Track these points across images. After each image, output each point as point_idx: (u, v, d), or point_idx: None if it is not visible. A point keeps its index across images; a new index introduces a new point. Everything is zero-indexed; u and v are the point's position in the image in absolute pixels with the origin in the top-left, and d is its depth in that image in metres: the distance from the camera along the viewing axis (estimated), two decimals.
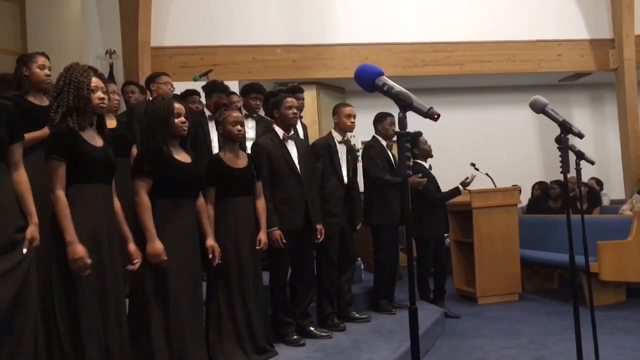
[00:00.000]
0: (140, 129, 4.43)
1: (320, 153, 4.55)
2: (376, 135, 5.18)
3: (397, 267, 5.44)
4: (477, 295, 6.11)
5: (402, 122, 1.56)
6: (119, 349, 2.81)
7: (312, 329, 4.19)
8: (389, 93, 1.57)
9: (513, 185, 6.87)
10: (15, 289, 2.46)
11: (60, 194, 2.68)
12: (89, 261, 2.65)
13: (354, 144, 5.26)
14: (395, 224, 5.09)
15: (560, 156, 2.66)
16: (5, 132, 2.54)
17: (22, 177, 2.61)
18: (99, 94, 2.82)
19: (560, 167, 2.66)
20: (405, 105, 1.54)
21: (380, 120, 5.18)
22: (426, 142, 5.65)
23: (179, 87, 5.52)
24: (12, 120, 2.59)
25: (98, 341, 2.72)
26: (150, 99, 5.03)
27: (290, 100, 4.16)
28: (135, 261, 2.99)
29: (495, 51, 8.61)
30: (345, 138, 4.71)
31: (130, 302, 3.14)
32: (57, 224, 2.70)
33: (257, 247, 3.72)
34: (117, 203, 3.00)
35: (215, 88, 4.77)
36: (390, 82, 1.59)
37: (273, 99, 4.30)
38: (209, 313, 3.54)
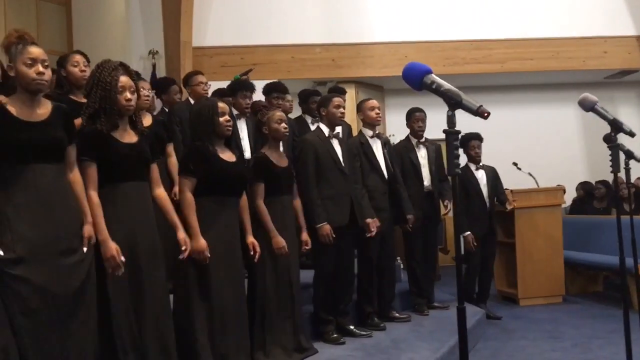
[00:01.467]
0: (181, 129, 4.51)
1: (354, 152, 4.54)
2: (409, 135, 5.16)
3: (433, 268, 5.38)
4: (519, 296, 6.01)
5: (451, 121, 1.55)
6: (161, 348, 2.83)
7: (352, 327, 4.20)
8: (437, 91, 1.56)
9: (557, 186, 6.73)
10: (80, 282, 2.54)
11: (93, 194, 2.72)
12: (122, 259, 2.68)
13: (393, 143, 5.24)
14: (424, 224, 5.02)
15: (610, 155, 2.60)
16: (64, 133, 2.62)
17: (77, 177, 2.69)
18: (126, 94, 2.81)
19: (611, 166, 2.59)
20: (454, 103, 1.53)
21: (408, 117, 5.17)
22: (476, 147, 5.51)
23: (220, 87, 5.57)
24: (68, 122, 2.67)
25: (132, 342, 2.75)
26: (189, 99, 5.10)
27: (338, 100, 4.21)
28: (183, 248, 3.00)
29: (538, 48, 8.42)
30: (377, 132, 4.68)
31: (174, 298, 3.19)
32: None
33: (305, 248, 3.76)
34: (162, 193, 3.04)
35: (241, 87, 4.77)
36: (439, 80, 1.57)
37: (321, 97, 4.35)
38: (252, 310, 3.57)
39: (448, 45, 8.41)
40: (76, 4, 8.29)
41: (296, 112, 5.81)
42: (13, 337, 2.40)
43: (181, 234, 3.02)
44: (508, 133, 8.81)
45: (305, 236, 3.85)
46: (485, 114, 1.49)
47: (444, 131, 1.55)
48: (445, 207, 5.17)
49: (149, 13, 7.77)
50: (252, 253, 3.44)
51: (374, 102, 4.68)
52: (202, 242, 3.09)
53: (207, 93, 4.84)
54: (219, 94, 4.86)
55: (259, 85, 5.22)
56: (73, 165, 2.69)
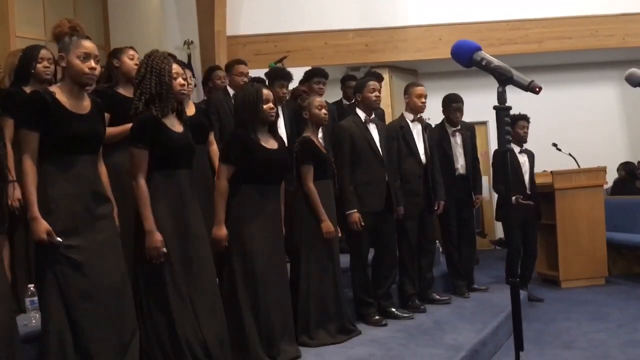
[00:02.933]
0: (217, 118, 4.56)
1: (392, 135, 4.53)
2: (445, 122, 5.12)
3: (471, 249, 5.35)
4: (561, 278, 5.95)
5: (502, 97, 1.55)
6: (215, 337, 2.89)
7: (393, 309, 4.23)
8: (487, 68, 1.56)
9: (598, 166, 6.60)
10: (122, 269, 2.64)
11: (142, 181, 2.78)
12: (164, 250, 2.75)
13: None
14: (459, 208, 5.00)
15: None
16: (102, 127, 2.70)
17: (104, 169, 2.79)
18: (180, 80, 2.93)
19: None
20: (505, 79, 1.53)
21: (445, 105, 5.11)
22: (524, 127, 5.38)
23: (255, 75, 5.61)
24: (103, 117, 2.76)
25: (193, 331, 2.82)
26: (227, 87, 5.15)
27: (373, 84, 4.21)
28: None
29: (576, 27, 8.23)
30: (418, 116, 4.66)
31: (220, 284, 3.26)
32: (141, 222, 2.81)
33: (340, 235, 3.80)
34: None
35: (277, 75, 4.79)
36: (489, 57, 1.58)
37: (356, 83, 4.36)
38: (296, 294, 3.61)
39: (483, 27, 8.28)
40: None
41: (331, 97, 5.82)
42: (68, 322, 2.49)
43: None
44: (547, 114, 8.64)
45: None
46: (537, 89, 1.49)
47: (495, 107, 1.55)
48: (476, 202, 5.16)
49: (183, 3, 7.85)
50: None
51: (422, 90, 4.64)
52: (223, 231, 3.18)
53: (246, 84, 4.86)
54: (256, 82, 4.88)
55: (293, 72, 5.24)
56: (100, 157, 2.77)
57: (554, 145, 6.85)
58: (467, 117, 5.26)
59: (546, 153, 6.42)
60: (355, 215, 3.96)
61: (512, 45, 8.25)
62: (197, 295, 2.87)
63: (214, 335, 2.87)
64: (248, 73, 5.13)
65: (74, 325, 2.50)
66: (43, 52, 3.49)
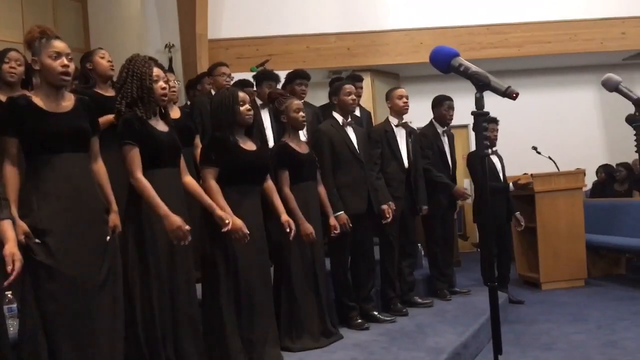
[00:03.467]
0: (201, 121, 4.55)
1: (377, 139, 4.56)
2: (433, 121, 5.15)
3: (452, 253, 5.40)
4: (541, 280, 6.00)
5: (479, 102, 1.57)
6: (189, 328, 2.92)
7: (375, 313, 4.23)
8: (465, 73, 1.57)
9: (577, 169, 6.69)
10: (106, 269, 2.61)
11: (140, 175, 2.80)
12: (187, 227, 2.76)
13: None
14: (443, 211, 5.04)
15: (635, 135, 2.58)
16: (87, 124, 2.67)
17: (101, 167, 2.77)
18: (161, 83, 2.93)
19: (636, 146, 2.57)
20: (482, 85, 1.54)
21: (437, 104, 5.13)
22: (494, 130, 5.45)
23: (236, 78, 5.61)
24: (91, 114, 2.73)
25: (168, 322, 2.84)
26: (210, 91, 5.14)
27: (348, 87, 4.22)
28: (226, 221, 3.05)
29: (556, 31, 8.33)
30: (404, 121, 4.69)
31: (203, 285, 3.25)
32: (131, 213, 2.83)
33: (334, 233, 3.81)
34: (190, 180, 3.11)
35: (265, 77, 4.82)
36: (467, 63, 1.59)
37: (333, 86, 4.37)
38: (279, 297, 3.61)
39: (464, 31, 8.36)
40: (92, 1, 8.36)
41: (313, 100, 5.82)
42: (42, 326, 2.46)
43: (219, 212, 3.08)
44: (527, 117, 8.75)
45: (331, 220, 3.87)
46: (514, 95, 1.51)
47: (473, 113, 1.56)
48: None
49: (164, 7, 7.81)
50: (287, 231, 3.46)
51: (402, 91, 4.69)
52: (238, 220, 3.13)
53: (229, 85, 4.87)
54: (240, 84, 4.89)
55: None
56: (97, 155, 2.76)
57: (534, 148, 6.93)
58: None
59: (526, 156, 6.49)
60: (342, 216, 3.96)
61: (493, 49, 8.34)
62: (177, 288, 2.89)
63: (190, 330, 2.90)
64: (230, 74, 5.13)
65: (50, 334, 2.46)
66: (11, 54, 3.46)
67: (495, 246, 5.43)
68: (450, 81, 7.99)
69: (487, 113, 1.55)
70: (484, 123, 1.53)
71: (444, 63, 1.62)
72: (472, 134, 6.69)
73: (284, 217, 3.48)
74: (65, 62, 2.58)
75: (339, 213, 3.96)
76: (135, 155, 2.81)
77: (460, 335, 3.81)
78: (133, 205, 2.88)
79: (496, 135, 5.44)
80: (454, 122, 5.20)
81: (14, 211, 2.43)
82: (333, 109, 4.29)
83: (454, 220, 5.42)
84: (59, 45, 2.59)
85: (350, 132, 4.20)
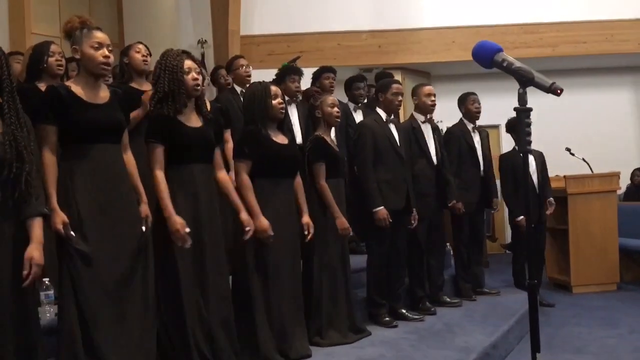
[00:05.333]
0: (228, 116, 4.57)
1: (404, 137, 4.53)
2: (463, 119, 5.11)
3: (481, 253, 5.34)
4: (572, 284, 5.92)
5: (522, 98, 1.55)
6: (221, 324, 2.94)
7: (404, 311, 4.22)
8: (508, 69, 1.56)
9: (611, 171, 6.56)
10: (140, 259, 2.65)
11: (159, 173, 2.82)
12: (187, 230, 2.75)
13: (441, 129, 5.21)
14: (473, 210, 4.99)
15: None
16: (122, 116, 2.72)
17: (131, 159, 2.80)
18: (193, 74, 2.92)
19: None
20: (526, 80, 1.53)
21: (462, 100, 5.10)
22: None
23: (267, 75, 5.62)
24: (124, 106, 2.77)
25: (199, 315, 2.86)
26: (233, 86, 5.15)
27: (397, 87, 4.23)
28: (247, 229, 3.08)
29: (592, 31, 8.18)
30: (429, 117, 4.66)
31: (234, 278, 3.28)
32: (160, 212, 2.83)
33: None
34: (224, 176, 3.12)
35: (288, 72, 4.83)
36: (510, 58, 1.58)
37: (380, 82, 4.37)
38: (307, 293, 3.61)
39: (497, 30, 8.25)
40: None
41: (344, 98, 5.82)
42: (77, 314, 2.50)
43: (244, 215, 3.10)
44: (561, 118, 8.61)
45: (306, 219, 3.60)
46: (559, 91, 1.49)
47: (515, 109, 1.55)
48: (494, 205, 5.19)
49: (197, 3, 7.89)
50: (305, 233, 3.48)
51: (430, 89, 4.64)
52: (265, 222, 3.16)
53: (250, 75, 4.86)
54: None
55: (306, 73, 5.24)
56: (127, 147, 2.79)
57: (568, 150, 6.82)
58: (480, 120, 5.25)
59: (559, 158, 6.40)
60: (382, 211, 3.95)
61: (526, 49, 8.22)
62: (206, 282, 2.89)
63: (219, 321, 2.91)
64: (248, 65, 5.14)
65: (85, 321, 2.50)
66: (53, 47, 3.53)
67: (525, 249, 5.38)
68: (482, 81, 7.96)
69: (531, 109, 1.53)
70: (527, 119, 1.51)
71: (486, 58, 1.61)
72: (504, 134, 6.65)
73: (305, 218, 3.49)
74: (106, 52, 2.62)
75: (379, 208, 3.95)
76: (158, 154, 2.83)
77: (489, 335, 3.78)
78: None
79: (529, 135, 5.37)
80: (484, 122, 5.15)
81: (54, 202, 2.47)
82: (377, 105, 4.31)
83: (483, 219, 5.37)
84: (100, 36, 2.64)
85: (392, 128, 4.20)
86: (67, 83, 2.70)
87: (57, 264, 2.56)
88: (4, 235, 2.20)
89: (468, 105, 5.06)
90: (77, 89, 2.61)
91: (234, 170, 3.40)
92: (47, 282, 2.94)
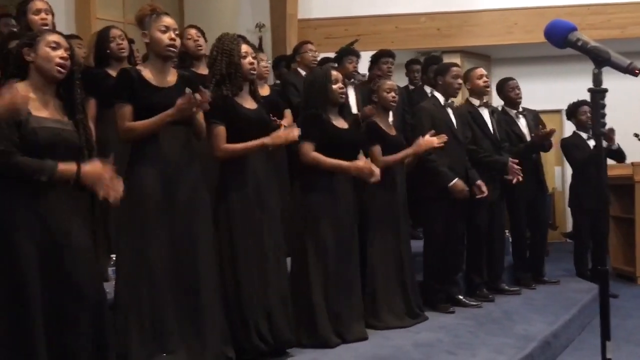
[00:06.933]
0: (297, 94, 4.61)
1: (462, 121, 4.44)
2: (504, 107, 4.98)
3: (544, 240, 5.20)
4: (637, 274, 5.71)
5: (597, 79, 1.50)
6: (279, 305, 2.98)
7: (461, 297, 4.18)
8: (583, 48, 1.51)
9: None
10: (205, 242, 2.72)
11: (226, 145, 2.87)
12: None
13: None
14: (532, 195, 4.85)
15: None
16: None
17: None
18: (249, 59, 2.98)
19: None
20: (602, 60, 1.48)
21: (500, 88, 4.96)
22: (586, 112, 5.28)
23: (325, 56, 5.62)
24: (192, 89, 2.83)
25: (258, 296, 2.91)
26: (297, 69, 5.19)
27: (456, 70, 4.18)
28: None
29: None
30: (485, 101, 4.56)
31: (292, 261, 3.32)
32: (221, 193, 2.91)
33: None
34: None
35: (346, 53, 4.83)
36: (585, 37, 1.53)
37: (439, 65, 4.33)
38: (363, 277, 3.62)
39: (562, 11, 7.94)
40: None
41: (401, 82, 5.76)
42: (147, 292, 2.58)
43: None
44: (628, 103, 8.25)
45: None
46: (637, 71, 1.43)
47: (589, 90, 1.50)
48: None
49: None
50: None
51: (481, 70, 4.57)
52: (359, 163, 3.27)
53: (316, 60, 4.91)
54: (325, 62, 4.92)
55: (363, 56, 5.22)
56: (201, 128, 2.83)
57: (636, 135, 6.54)
58: (541, 104, 5.11)
59: (627, 143, 6.14)
60: (458, 182, 3.93)
61: (593, 30, 7.87)
62: (265, 266, 2.95)
63: (277, 302, 2.95)
64: (316, 50, 5.17)
65: (157, 306, 2.59)
66: (113, 32, 3.63)
67: (590, 236, 5.23)
68: (544, 64, 7.73)
69: (606, 90, 1.48)
70: (602, 100, 1.46)
71: (560, 37, 1.56)
72: (565, 120, 6.43)
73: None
74: (173, 35, 2.69)
75: (453, 181, 3.92)
76: (221, 132, 2.89)
77: (550, 324, 3.70)
78: (223, 187, 2.95)
79: (590, 118, 5.22)
80: (545, 107, 5.00)
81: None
82: (436, 88, 4.29)
83: (544, 206, 5.23)
84: (168, 20, 2.72)
85: (450, 112, 4.15)
86: (139, 67, 2.79)
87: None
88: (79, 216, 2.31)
89: (507, 92, 4.93)
90: (146, 72, 2.70)
91: (300, 153, 3.35)
92: (114, 258, 3.05)
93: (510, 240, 5.45)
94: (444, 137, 3.74)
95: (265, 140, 2.90)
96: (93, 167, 2.23)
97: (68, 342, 2.19)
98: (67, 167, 2.20)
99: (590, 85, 1.62)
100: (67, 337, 2.19)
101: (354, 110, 4.62)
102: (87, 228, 2.39)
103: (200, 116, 2.76)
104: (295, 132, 2.97)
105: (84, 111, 2.39)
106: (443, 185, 3.93)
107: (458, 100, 4.73)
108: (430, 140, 3.68)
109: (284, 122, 3.95)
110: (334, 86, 3.35)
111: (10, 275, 2.13)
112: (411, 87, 5.74)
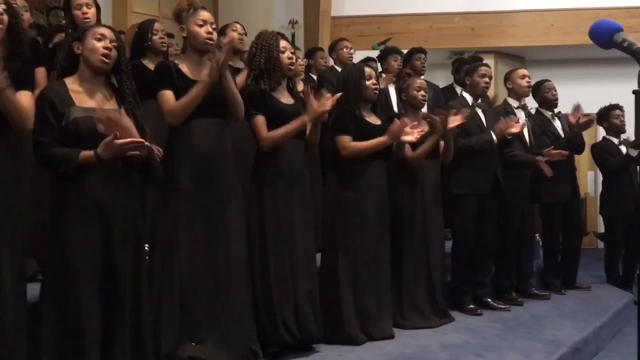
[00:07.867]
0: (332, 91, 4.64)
1: (494, 121, 4.39)
2: (539, 108, 4.89)
3: (578, 245, 5.12)
4: None
5: None
6: (307, 300, 3.00)
7: (489, 300, 4.15)
8: (629, 50, 1.48)
9: None
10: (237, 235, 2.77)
11: (266, 134, 2.89)
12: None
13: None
14: (566, 200, 4.76)
15: None
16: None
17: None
18: (288, 54, 3.00)
19: None
20: None
21: (536, 90, 4.84)
22: (619, 116, 5.19)
23: (357, 56, 5.63)
24: None
25: (284, 288, 2.92)
26: (334, 66, 5.23)
27: (484, 69, 4.14)
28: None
29: None
30: (523, 103, 4.50)
31: (322, 256, 3.33)
32: (255, 187, 2.94)
33: None
34: None
35: (389, 52, 4.88)
36: (631, 38, 1.50)
37: (469, 66, 4.31)
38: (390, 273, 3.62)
39: (600, 13, 7.77)
40: None
41: (435, 81, 5.73)
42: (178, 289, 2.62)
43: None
44: None
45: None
46: None
47: (634, 91, 1.47)
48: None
49: None
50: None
51: (524, 71, 4.52)
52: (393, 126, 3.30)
53: (352, 57, 4.94)
54: (364, 61, 4.92)
55: None
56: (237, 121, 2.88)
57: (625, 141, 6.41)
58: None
59: None
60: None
61: (632, 34, 7.52)
62: (295, 261, 2.97)
63: (306, 297, 2.97)
64: (352, 47, 5.19)
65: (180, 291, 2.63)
66: (157, 25, 3.69)
67: (622, 242, 5.14)
68: (580, 67, 7.59)
69: None
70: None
71: (605, 38, 1.53)
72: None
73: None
74: (210, 29, 2.73)
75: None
76: (261, 121, 2.91)
77: (581, 330, 3.65)
78: (256, 180, 2.99)
79: (623, 122, 5.14)
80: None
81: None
82: (464, 89, 4.27)
83: (580, 211, 5.15)
84: (205, 14, 2.75)
85: (479, 112, 4.12)
86: (176, 60, 2.83)
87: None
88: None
89: (544, 94, 4.82)
90: (183, 66, 2.74)
91: (336, 146, 3.36)
92: (147, 248, 3.09)
93: (541, 244, 5.38)
94: (465, 112, 3.72)
95: (305, 117, 2.91)
96: (107, 141, 2.21)
97: (113, 319, 2.29)
98: (87, 153, 2.24)
99: (627, 88, 1.59)
100: (113, 314, 2.29)
101: (396, 108, 4.63)
102: (137, 207, 2.45)
103: (235, 90, 2.78)
104: (328, 103, 2.95)
105: (136, 99, 2.44)
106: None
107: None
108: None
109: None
110: (368, 82, 3.36)
111: (62, 259, 2.24)
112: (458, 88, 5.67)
